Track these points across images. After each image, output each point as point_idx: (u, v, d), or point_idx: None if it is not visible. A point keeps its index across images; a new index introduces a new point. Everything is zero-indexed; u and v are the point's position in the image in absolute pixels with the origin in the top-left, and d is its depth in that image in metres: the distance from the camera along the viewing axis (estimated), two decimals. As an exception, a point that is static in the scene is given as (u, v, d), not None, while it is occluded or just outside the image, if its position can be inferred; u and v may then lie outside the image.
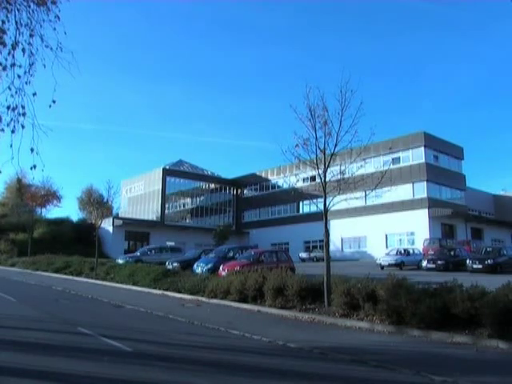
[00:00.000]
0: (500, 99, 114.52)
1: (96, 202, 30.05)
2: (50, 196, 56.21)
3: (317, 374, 7.24)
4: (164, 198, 62.98)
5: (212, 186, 71.09)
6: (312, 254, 48.45)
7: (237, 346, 9.34)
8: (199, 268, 24.25)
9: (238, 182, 70.96)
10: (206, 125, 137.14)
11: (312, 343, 9.46)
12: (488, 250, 31.12)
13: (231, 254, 25.99)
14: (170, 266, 27.01)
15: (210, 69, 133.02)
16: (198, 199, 69.78)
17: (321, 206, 14.42)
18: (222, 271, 21.28)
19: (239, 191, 71.62)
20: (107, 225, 50.77)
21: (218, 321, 12.40)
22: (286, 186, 56.51)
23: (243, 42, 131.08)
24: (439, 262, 29.80)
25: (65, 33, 6.80)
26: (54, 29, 6.68)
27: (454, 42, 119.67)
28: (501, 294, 10.10)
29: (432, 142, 49.93)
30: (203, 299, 17.25)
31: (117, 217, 56.21)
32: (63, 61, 6.57)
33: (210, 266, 23.93)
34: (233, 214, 70.91)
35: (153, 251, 36.82)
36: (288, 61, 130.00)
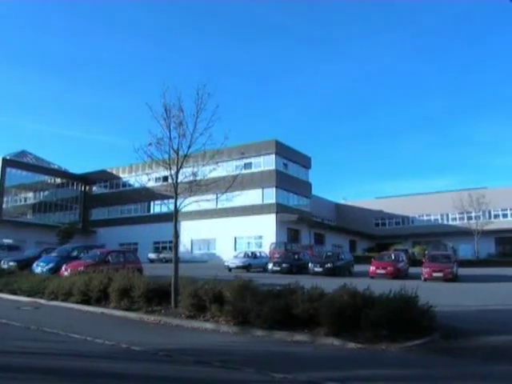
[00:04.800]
0: (346, 115, 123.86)
1: None
2: None
3: (161, 377, 7.11)
4: (2, 191, 58.01)
5: (58, 180, 67.13)
6: (161, 255, 48.26)
7: (77, 351, 8.82)
8: (39, 268, 22.76)
9: (87, 178, 68.01)
10: (55, 116, 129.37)
11: (157, 345, 9.29)
12: (328, 254, 33.48)
13: (75, 254, 24.89)
14: (4, 266, 25.03)
15: (68, 59, 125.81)
16: (41, 194, 65.31)
17: (172, 207, 14.29)
18: (65, 271, 20.32)
19: (88, 188, 68.70)
20: None
21: (57, 324, 11.64)
22: (137, 184, 55.39)
23: (101, 34, 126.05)
24: (284, 265, 31.26)
25: None
26: None
27: (311, 57, 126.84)
28: (337, 295, 10.83)
29: (283, 150, 52.34)
30: (42, 301, 16.15)
31: None
32: None
33: (51, 265, 22.65)
34: (80, 211, 67.74)
35: (-16, 249, 33.74)
36: (146, 57, 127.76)
